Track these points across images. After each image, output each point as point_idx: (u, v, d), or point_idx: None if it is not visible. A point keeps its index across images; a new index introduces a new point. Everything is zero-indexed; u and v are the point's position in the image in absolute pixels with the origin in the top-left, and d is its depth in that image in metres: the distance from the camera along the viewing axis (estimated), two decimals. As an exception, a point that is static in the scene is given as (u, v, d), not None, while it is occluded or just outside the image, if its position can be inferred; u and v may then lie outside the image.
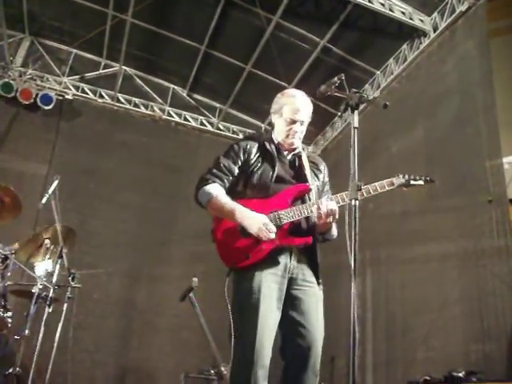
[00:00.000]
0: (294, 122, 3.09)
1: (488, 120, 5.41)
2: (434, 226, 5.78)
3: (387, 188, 2.92)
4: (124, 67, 9.03)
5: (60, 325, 4.89)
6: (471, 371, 3.76)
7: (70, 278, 4.85)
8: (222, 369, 4.40)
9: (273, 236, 2.80)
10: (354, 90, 2.60)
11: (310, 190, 3.04)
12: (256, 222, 2.80)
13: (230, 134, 9.43)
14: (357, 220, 2.32)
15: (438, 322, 5.35)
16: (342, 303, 2.35)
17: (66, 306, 4.94)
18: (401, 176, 2.96)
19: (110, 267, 6.84)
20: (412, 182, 2.97)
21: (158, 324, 7.58)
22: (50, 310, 4.63)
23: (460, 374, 3.75)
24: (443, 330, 5.30)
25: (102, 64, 9.06)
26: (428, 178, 3.01)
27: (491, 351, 4.64)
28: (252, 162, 3.06)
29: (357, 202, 2.40)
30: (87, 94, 8.89)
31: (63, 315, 4.91)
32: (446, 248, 5.59)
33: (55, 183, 5.03)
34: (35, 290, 4.59)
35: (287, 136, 3.11)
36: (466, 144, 5.67)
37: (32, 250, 5.06)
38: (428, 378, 3.88)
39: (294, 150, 3.17)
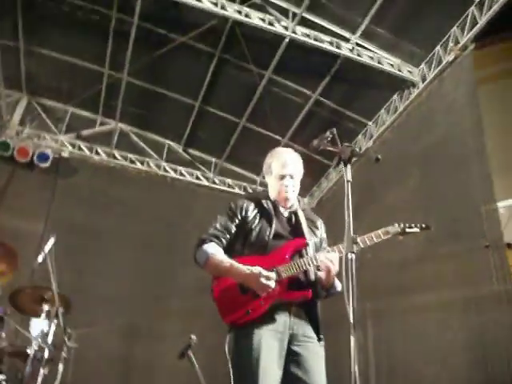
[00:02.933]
0: (283, 176, 3.16)
1: (480, 166, 5.47)
2: (433, 274, 5.74)
3: (383, 237, 2.95)
4: (120, 124, 9.18)
5: (56, 384, 4.78)
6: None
7: (66, 338, 4.76)
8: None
9: (273, 284, 2.79)
10: (346, 144, 2.63)
11: (308, 244, 3.05)
12: (253, 275, 2.80)
13: (225, 188, 9.47)
14: (354, 272, 2.31)
15: (442, 373, 5.25)
16: (344, 357, 2.31)
17: (61, 366, 4.82)
18: (396, 224, 2.99)
19: (106, 325, 6.72)
20: (408, 230, 3.00)
21: (157, 382, 7.40)
22: (46, 372, 4.53)
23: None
24: (447, 381, 5.19)
25: (98, 121, 9.21)
26: (423, 226, 3.05)
27: None
28: (249, 219, 3.10)
29: (353, 255, 2.40)
30: (84, 151, 8.98)
31: (59, 376, 4.78)
32: (446, 295, 5.54)
33: (51, 241, 4.99)
34: (30, 351, 4.50)
35: (279, 192, 3.17)
36: (461, 190, 5.70)
37: (27, 309, 4.99)
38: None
39: (290, 207, 3.21)
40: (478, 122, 5.65)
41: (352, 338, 2.16)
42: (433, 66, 6.66)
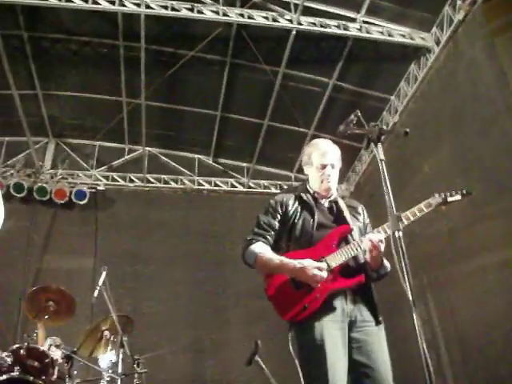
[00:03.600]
0: (324, 166, 3.15)
1: (511, 119, 5.35)
2: (484, 236, 5.62)
3: (426, 210, 2.91)
4: (147, 148, 9.30)
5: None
6: None
7: (135, 365, 4.85)
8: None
9: (325, 275, 2.79)
10: (373, 123, 2.59)
11: (352, 229, 3.03)
12: (304, 268, 2.80)
13: (261, 190, 9.49)
14: (404, 250, 2.27)
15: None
16: (408, 335, 2.28)
17: (135, 393, 4.92)
18: (437, 195, 2.95)
19: (171, 345, 6.82)
20: (449, 199, 2.94)
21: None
22: (122, 400, 4.63)
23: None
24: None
25: (126, 150, 9.36)
26: (464, 192, 2.99)
27: None
28: (291, 213, 3.10)
29: (400, 232, 2.36)
30: (117, 181, 9.15)
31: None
32: (503, 255, 5.42)
33: (103, 274, 5.12)
34: (103, 383, 4.61)
35: (322, 181, 3.15)
36: (496, 147, 5.57)
37: (93, 343, 5.11)
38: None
39: (330, 196, 3.20)
40: (501, 74, 5.52)
41: (414, 315, 2.12)
42: (444, 27, 6.51)
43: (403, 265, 2.21)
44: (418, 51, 7.02)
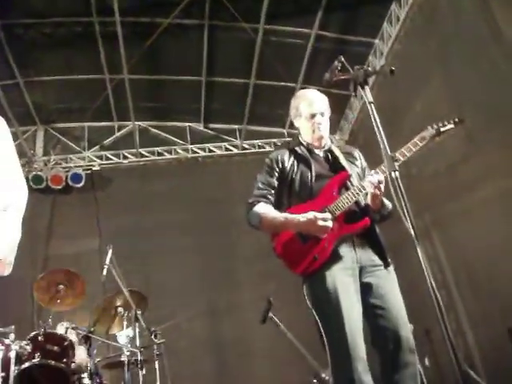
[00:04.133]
0: (313, 115, 3.14)
1: (499, 45, 5.27)
2: (483, 166, 5.60)
3: (420, 144, 2.90)
4: (137, 123, 9.22)
5: (158, 382, 4.97)
6: None
7: (152, 337, 4.92)
8: (323, 375, 4.37)
9: (330, 224, 2.81)
10: (357, 66, 2.57)
11: (351, 175, 3.05)
12: (309, 221, 2.83)
13: (256, 150, 9.42)
14: (402, 189, 2.27)
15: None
16: (417, 275, 2.29)
17: (157, 363, 5.00)
18: (429, 127, 2.95)
19: (186, 313, 6.89)
20: (442, 129, 2.94)
21: (251, 351, 7.57)
22: (144, 372, 4.71)
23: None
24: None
25: (116, 127, 9.28)
26: (456, 119, 2.98)
27: None
28: (288, 169, 3.12)
29: (397, 172, 2.36)
30: (111, 159, 9.10)
31: (157, 373, 4.98)
32: (503, 184, 5.43)
33: (110, 252, 5.15)
34: (124, 358, 4.69)
35: (313, 131, 3.16)
36: (487, 74, 5.51)
37: (108, 321, 5.19)
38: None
39: (324, 146, 3.21)
40: (484, 3, 5.42)
41: (419, 250, 2.14)
42: (421, -39, 6.38)
43: (403, 203, 2.21)
44: (397, -11, 6.88)
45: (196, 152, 9.37)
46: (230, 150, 9.49)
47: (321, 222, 2.80)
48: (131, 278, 5.75)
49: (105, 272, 4.97)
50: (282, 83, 8.25)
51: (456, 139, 5.45)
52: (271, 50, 7.66)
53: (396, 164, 2.41)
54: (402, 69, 6.81)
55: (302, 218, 2.84)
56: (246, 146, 9.55)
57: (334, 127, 9.21)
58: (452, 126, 2.95)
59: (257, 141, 9.55)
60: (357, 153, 3.31)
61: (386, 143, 2.36)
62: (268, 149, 9.29)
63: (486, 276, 5.72)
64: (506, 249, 5.35)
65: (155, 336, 4.93)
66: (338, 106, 8.72)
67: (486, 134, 5.47)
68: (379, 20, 7.41)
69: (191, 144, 9.38)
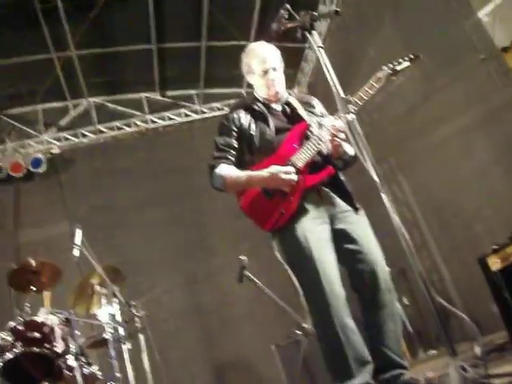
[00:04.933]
0: (266, 71, 3.08)
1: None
2: (442, 106, 5.70)
3: (377, 85, 2.87)
4: (91, 99, 8.99)
5: (145, 355, 4.99)
6: (530, 221, 3.75)
7: (133, 310, 4.92)
8: (305, 325, 4.43)
9: (294, 177, 2.80)
10: (302, 12, 2.53)
11: (310, 125, 3.02)
12: (273, 175, 2.82)
13: (217, 113, 9.28)
14: (360, 132, 2.26)
15: (485, 191, 5.33)
16: (388, 216, 2.31)
17: (141, 336, 5.02)
18: (384, 67, 2.92)
19: (165, 285, 6.90)
20: (398, 68, 2.90)
21: (233, 315, 7.66)
22: (130, 347, 4.73)
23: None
24: (492, 197, 5.27)
25: (71, 106, 9.02)
26: (412, 56, 2.95)
27: None
28: (246, 126, 3.08)
29: (353, 115, 2.35)
30: (70, 140, 8.87)
31: (143, 345, 5.00)
32: (463, 120, 5.53)
33: (79, 233, 5.09)
34: (107, 335, 4.69)
35: (268, 87, 3.11)
36: (439, 15, 5.53)
37: (87, 301, 5.16)
38: (495, 246, 3.85)
39: (281, 99, 3.16)
40: None
41: (382, 192, 2.15)
42: None
43: (361, 145, 2.21)
44: None
45: (156, 122, 9.20)
46: (190, 116, 9.35)
47: (284, 175, 2.79)
48: (105, 256, 5.72)
49: (76, 253, 4.90)
50: (235, 42, 8.11)
51: (413, 81, 5.50)
52: (219, 8, 7.48)
53: (351, 107, 2.40)
54: (354, 15, 6.78)
55: (264, 173, 2.83)
56: (206, 111, 9.42)
57: (292, 81, 9.14)
58: (408, 63, 2.92)
59: (216, 104, 9.42)
60: (315, 101, 3.27)
61: (338, 86, 2.34)
62: (228, 110, 9.13)
63: (452, 211, 5.90)
64: (468, 183, 5.51)
65: (136, 309, 4.94)
66: (294, 60, 8.65)
67: (441, 73, 5.53)
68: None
69: (150, 114, 9.20)
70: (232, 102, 9.25)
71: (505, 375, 2.44)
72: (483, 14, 5.32)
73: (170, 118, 9.27)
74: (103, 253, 5.70)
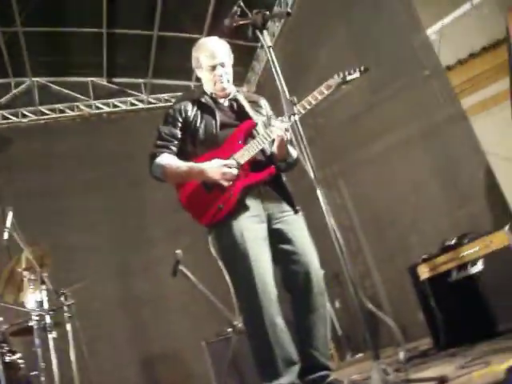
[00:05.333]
0: (214, 67, 3.08)
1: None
2: (386, 118, 5.85)
3: (326, 92, 2.91)
4: (35, 79, 8.68)
5: (71, 345, 4.88)
6: (462, 235, 3.89)
7: (62, 299, 4.80)
8: (236, 323, 4.46)
9: (235, 171, 2.82)
10: (255, 10, 2.55)
11: (256, 124, 3.04)
12: (214, 168, 2.83)
13: (163, 104, 9.14)
14: (302, 133, 2.29)
15: (420, 204, 5.50)
16: (325, 222, 2.35)
17: (69, 325, 4.90)
18: (335, 76, 2.97)
19: (98, 274, 6.77)
20: (348, 78, 2.96)
21: (167, 308, 7.57)
22: (56, 336, 4.61)
23: (452, 242, 3.88)
24: (427, 209, 5.46)
25: (13, 84, 8.67)
26: (362, 68, 3.00)
27: (474, 212, 4.90)
28: (191, 118, 3.06)
29: (296, 116, 2.38)
30: (9, 119, 8.54)
31: (70, 335, 4.89)
32: (403, 134, 5.71)
33: (10, 215, 4.93)
34: (32, 322, 4.54)
35: (215, 83, 3.11)
36: (389, 28, 5.68)
37: (16, 287, 4.98)
38: (425, 256, 3.99)
39: (229, 95, 3.16)
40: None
41: (319, 193, 2.18)
42: None
43: (303, 148, 2.23)
44: None
45: (100, 108, 8.98)
46: (136, 105, 9.20)
47: (225, 169, 2.80)
48: (38, 240, 5.54)
49: (5, 236, 4.74)
50: (187, 35, 8.04)
51: (360, 90, 5.61)
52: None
53: (297, 109, 2.43)
54: (307, 20, 6.84)
55: (205, 165, 2.84)
56: (152, 101, 9.29)
57: (242, 79, 9.15)
58: (358, 74, 2.98)
59: (163, 95, 9.29)
60: (262, 101, 3.30)
61: (285, 87, 2.36)
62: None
63: (389, 220, 6.05)
64: (406, 194, 5.68)
65: (65, 298, 4.82)
66: (244, 58, 8.66)
67: (388, 85, 5.68)
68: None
69: (94, 99, 8.97)
70: (179, 94, 9.16)
71: (424, 380, 2.53)
72: (431, 31, 5.50)
73: (115, 106, 9.07)
74: (36, 237, 5.53)
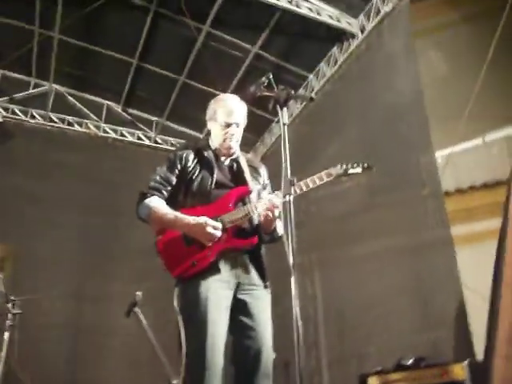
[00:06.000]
0: (229, 124, 3.08)
1: (417, 116, 5.58)
2: (373, 224, 5.91)
3: (326, 179, 2.93)
4: (55, 85, 8.80)
5: (3, 354, 4.69)
6: (420, 357, 3.86)
7: (9, 305, 4.66)
8: (174, 382, 4.32)
9: (219, 234, 2.79)
10: (282, 86, 2.61)
11: (251, 191, 3.03)
12: (199, 225, 2.79)
13: (168, 147, 9.28)
14: (292, 215, 2.31)
15: (387, 316, 5.47)
16: (291, 305, 2.33)
17: (7, 334, 4.73)
18: (338, 166, 2.97)
19: (52, 290, 6.59)
20: (350, 171, 2.96)
21: (107, 345, 7.37)
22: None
23: (409, 362, 3.84)
24: (391, 323, 5.43)
25: (32, 83, 8.78)
26: (365, 165, 3.02)
27: (437, 337, 4.84)
28: (190, 169, 3.04)
29: (291, 197, 2.40)
30: (18, 115, 8.60)
31: (5, 344, 4.70)
32: (388, 244, 5.73)
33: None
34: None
35: (224, 140, 3.10)
36: (400, 140, 5.82)
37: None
38: (379, 369, 3.95)
39: (232, 154, 3.16)
40: (414, 72, 5.73)
41: (292, 279, 2.17)
42: (371, 16, 6.65)
43: (289, 229, 2.24)
44: (342, 34, 7.11)
45: (107, 132, 9.08)
46: (142, 140, 9.29)
47: (210, 229, 2.77)
48: (7, 240, 5.45)
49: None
50: (211, 89, 8.22)
51: (358, 188, 5.70)
52: (209, 53, 7.61)
53: (293, 189, 2.46)
54: (327, 110, 7.06)
55: (192, 220, 2.81)
56: (159, 141, 9.40)
57: (249, 146, 9.30)
58: (360, 170, 2.99)
59: (171, 138, 9.42)
60: (262, 169, 3.29)
61: (288, 166, 2.40)
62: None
63: (352, 323, 6.00)
64: (375, 302, 5.65)
65: (13, 305, 4.68)
66: (259, 128, 8.84)
67: (386, 192, 5.76)
68: (318, 57, 7.63)
69: (105, 122, 9.08)
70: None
71: None
72: (439, 154, 5.66)
73: (123, 134, 9.17)
74: (7, 237, 5.43)
